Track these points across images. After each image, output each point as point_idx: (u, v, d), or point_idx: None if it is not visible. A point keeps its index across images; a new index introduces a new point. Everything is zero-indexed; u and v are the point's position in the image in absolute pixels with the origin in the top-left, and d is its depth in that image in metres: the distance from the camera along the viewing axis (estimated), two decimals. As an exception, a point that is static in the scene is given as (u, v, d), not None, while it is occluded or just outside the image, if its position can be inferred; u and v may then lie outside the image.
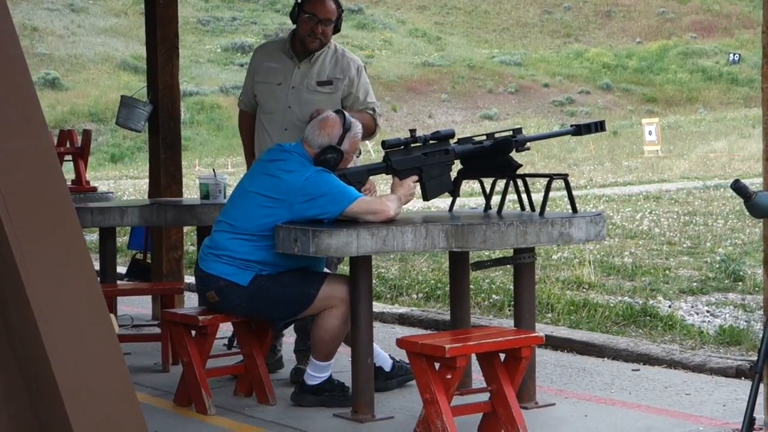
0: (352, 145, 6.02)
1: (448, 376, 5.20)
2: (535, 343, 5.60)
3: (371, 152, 32.17)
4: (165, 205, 7.69)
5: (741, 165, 27.66)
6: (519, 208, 6.45)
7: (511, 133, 6.25)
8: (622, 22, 69.25)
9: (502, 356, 5.44)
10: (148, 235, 9.48)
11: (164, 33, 8.95)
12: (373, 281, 7.65)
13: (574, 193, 6.37)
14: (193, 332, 6.10)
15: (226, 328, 7.14)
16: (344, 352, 6.25)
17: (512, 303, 6.77)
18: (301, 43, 6.75)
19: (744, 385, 6.31)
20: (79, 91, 47.91)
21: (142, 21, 8.97)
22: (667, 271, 10.72)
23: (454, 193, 6.38)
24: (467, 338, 5.46)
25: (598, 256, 11.62)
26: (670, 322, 8.24)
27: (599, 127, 6.38)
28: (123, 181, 29.24)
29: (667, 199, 19.46)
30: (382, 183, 14.18)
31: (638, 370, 7.01)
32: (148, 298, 9.18)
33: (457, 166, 6.28)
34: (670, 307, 8.98)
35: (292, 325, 6.70)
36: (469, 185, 18.21)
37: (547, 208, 6.02)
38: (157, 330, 7.61)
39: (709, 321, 8.49)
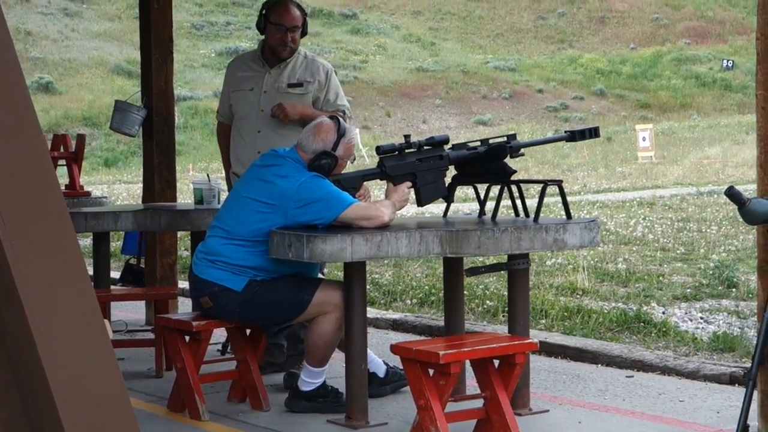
0: (346, 150, 6.02)
1: (442, 383, 5.20)
2: (529, 349, 5.60)
3: (365, 157, 32.17)
4: (159, 210, 7.68)
5: (735, 171, 27.68)
6: (513, 214, 6.45)
7: (505, 139, 6.26)
8: (616, 28, 69.31)
9: (496, 362, 5.44)
10: (142, 240, 9.46)
11: (158, 37, 8.94)
12: (367, 287, 7.64)
13: (568, 199, 6.37)
14: (187, 338, 6.09)
15: (219, 334, 7.13)
16: (338, 358, 6.25)
17: (506, 309, 6.77)
18: (272, 52, 7.01)
19: (738, 392, 6.31)
20: (73, 96, 47.85)
21: (136, 25, 8.97)
22: (660, 278, 10.72)
23: (449, 199, 6.38)
24: (461, 344, 5.46)
25: (592, 262, 11.62)
26: (663, 329, 8.25)
27: (593, 133, 6.38)
28: (117, 186, 29.21)
29: (661, 205, 19.47)
30: (377, 188, 14.17)
31: (632, 376, 7.00)
32: (141, 304, 9.17)
33: (451, 171, 6.28)
34: (663, 313, 8.99)
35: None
36: (463, 191, 18.22)
37: (542, 214, 6.03)
38: (151, 335, 7.59)
39: (702, 327, 8.49)
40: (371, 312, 8.80)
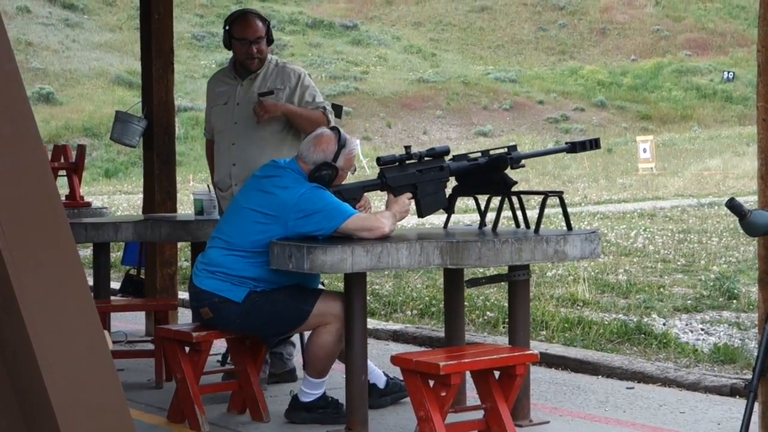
0: (347, 161, 6.02)
1: (443, 394, 5.19)
2: (530, 360, 5.60)
3: (366, 168, 32.18)
4: (159, 221, 7.68)
5: (735, 183, 27.69)
6: (514, 225, 6.45)
7: (506, 150, 6.26)
8: (616, 40, 69.38)
9: (497, 374, 5.43)
10: (142, 251, 9.46)
11: (159, 48, 8.95)
12: (368, 298, 7.64)
13: (569, 210, 6.37)
14: (187, 348, 6.09)
15: (219, 345, 7.13)
16: (338, 369, 6.24)
17: (507, 320, 6.77)
18: (242, 66, 7.02)
19: (739, 404, 6.30)
20: (73, 106, 47.89)
21: (137, 36, 8.98)
22: (661, 289, 10.72)
23: (449, 210, 6.38)
24: (462, 355, 5.46)
25: (593, 273, 11.61)
26: (664, 340, 8.24)
27: (594, 144, 6.39)
28: (117, 197, 29.21)
29: (662, 216, 19.47)
30: (377, 199, 14.18)
31: (633, 388, 7.00)
32: (141, 314, 9.16)
33: (452, 182, 6.28)
34: (664, 324, 8.98)
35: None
36: (463, 202, 18.21)
37: (542, 226, 6.03)
38: (151, 346, 7.58)
39: (703, 339, 8.48)
40: (371, 323, 8.79)
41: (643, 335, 8.41)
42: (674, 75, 63.11)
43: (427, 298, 10.29)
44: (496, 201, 6.34)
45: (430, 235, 5.99)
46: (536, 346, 7.26)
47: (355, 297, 5.74)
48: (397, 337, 8.84)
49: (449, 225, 6.63)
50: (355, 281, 5.75)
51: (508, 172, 6.19)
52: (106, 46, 57.44)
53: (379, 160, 6.08)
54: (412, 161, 6.11)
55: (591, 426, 6.08)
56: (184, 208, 16.93)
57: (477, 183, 6.26)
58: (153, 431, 6.02)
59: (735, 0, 72.67)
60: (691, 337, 8.55)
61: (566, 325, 8.81)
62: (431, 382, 5.24)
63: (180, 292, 9.44)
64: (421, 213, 6.18)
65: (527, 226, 6.28)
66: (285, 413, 6.10)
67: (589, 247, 5.98)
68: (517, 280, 6.05)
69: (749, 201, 14.38)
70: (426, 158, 6.13)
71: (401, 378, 5.60)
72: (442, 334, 7.46)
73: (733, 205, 4.95)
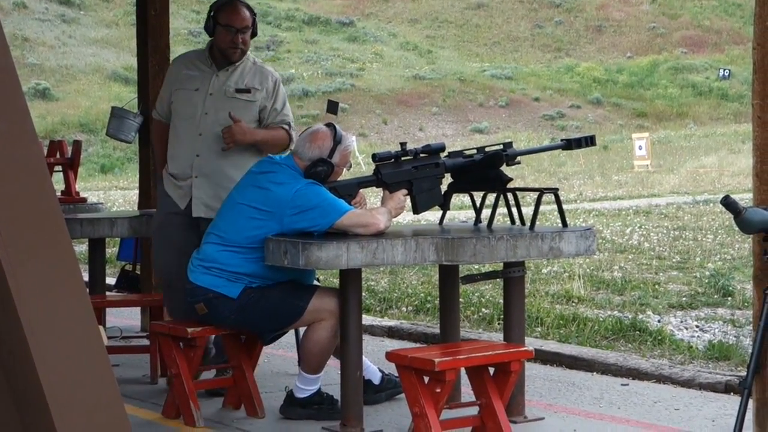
0: (342, 158, 6.02)
1: (438, 390, 5.20)
2: (525, 357, 5.60)
3: (362, 165, 32.17)
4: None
5: (731, 180, 27.70)
6: (509, 222, 6.45)
7: (501, 146, 6.26)
8: (612, 37, 69.35)
9: (492, 370, 5.44)
10: (138, 247, 9.45)
11: (155, 44, 8.94)
12: (363, 294, 7.64)
13: (564, 207, 6.37)
14: (182, 344, 6.09)
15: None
16: (333, 365, 6.24)
17: (502, 317, 6.77)
18: (222, 54, 6.76)
19: (733, 401, 6.30)
20: (69, 102, 47.83)
21: (133, 32, 8.95)
22: (656, 286, 10.73)
23: (444, 207, 6.38)
24: (457, 352, 5.46)
25: (588, 270, 11.62)
26: (659, 337, 8.25)
27: (589, 141, 6.39)
28: (113, 192, 29.18)
29: (657, 213, 19.47)
30: (373, 196, 14.18)
31: (627, 384, 7.00)
32: (137, 310, 9.16)
33: (447, 179, 6.28)
34: (659, 321, 8.99)
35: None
36: (459, 198, 18.21)
37: (537, 222, 6.03)
38: (146, 342, 7.59)
39: (698, 336, 8.49)
40: (366, 319, 8.79)
41: (638, 332, 8.42)
42: (670, 72, 63.10)
43: (422, 295, 10.30)
44: (491, 198, 6.34)
45: (426, 232, 5.99)
46: (531, 343, 7.25)
47: (350, 293, 5.75)
48: (392, 333, 8.84)
49: (444, 221, 6.64)
50: (351, 277, 5.75)
51: (504, 168, 6.19)
52: (102, 42, 57.37)
53: (374, 157, 6.08)
54: (408, 158, 6.10)
55: (585, 422, 6.09)
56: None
57: (472, 180, 6.26)
58: (148, 427, 6.02)
59: (731, -3, 72.69)
60: (685, 334, 8.56)
61: (561, 321, 8.82)
62: (426, 379, 5.24)
63: (175, 288, 9.43)
64: (416, 209, 6.18)
65: (522, 222, 6.28)
66: (280, 409, 6.11)
67: (584, 244, 5.99)
68: (512, 276, 6.05)
69: (744, 198, 14.38)
70: (421, 155, 6.13)
71: (396, 374, 5.61)
72: (437, 331, 7.46)
73: (728, 203, 4.96)
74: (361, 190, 6.18)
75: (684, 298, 10.04)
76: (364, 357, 5.98)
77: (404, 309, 9.93)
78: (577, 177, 30.72)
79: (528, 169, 31.38)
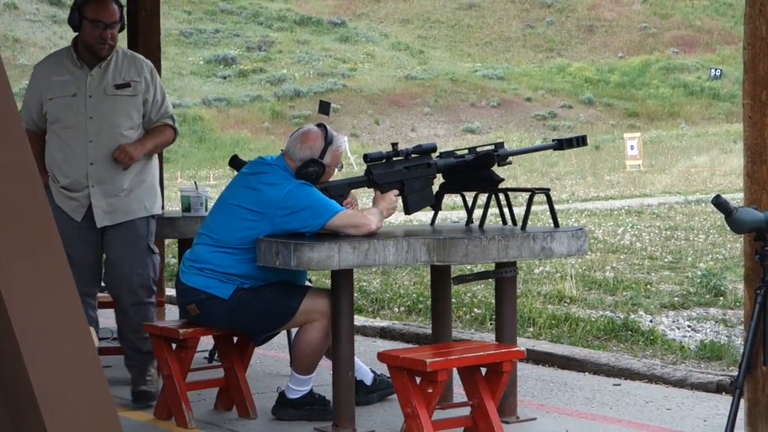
0: (333, 158, 6.01)
1: (429, 390, 5.20)
2: (517, 357, 5.60)
3: (353, 165, 32.17)
4: (146, 218, 7.64)
5: (722, 180, 27.75)
6: (501, 222, 6.45)
7: (493, 147, 6.26)
8: (604, 37, 69.46)
9: (484, 370, 5.44)
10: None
11: (146, 45, 8.92)
12: (355, 295, 7.64)
13: (556, 207, 6.38)
14: (174, 345, 6.08)
15: (207, 342, 7.12)
16: (325, 366, 6.24)
17: (494, 317, 6.77)
18: (89, 51, 6.43)
19: (725, 401, 6.31)
20: (61, 103, 47.78)
21: (124, 33, 8.95)
22: (648, 286, 10.74)
23: (436, 207, 6.38)
24: (448, 352, 5.46)
25: (580, 270, 11.63)
26: (651, 337, 8.26)
27: (581, 141, 6.40)
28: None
29: (649, 213, 19.50)
30: (364, 196, 14.18)
31: (619, 384, 7.01)
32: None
33: (439, 179, 6.28)
34: (651, 321, 8.99)
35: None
36: (450, 199, 18.22)
37: (529, 222, 6.03)
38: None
39: (690, 336, 8.50)
40: (359, 320, 8.79)
41: (629, 332, 8.43)
42: (662, 72, 63.22)
43: (414, 295, 10.30)
44: (483, 198, 6.34)
45: (417, 232, 5.99)
46: (523, 343, 7.26)
47: (342, 294, 5.74)
48: (384, 333, 8.84)
49: (436, 222, 6.63)
50: (343, 278, 5.75)
51: (495, 169, 6.19)
52: (93, 43, 57.29)
53: (366, 157, 6.08)
54: (399, 158, 6.10)
55: (578, 422, 6.09)
56: (172, 205, 16.92)
57: (464, 180, 6.26)
58: (140, 428, 6.01)
59: (722, -3, 72.82)
60: (677, 334, 8.57)
61: (553, 321, 8.82)
62: (418, 379, 5.24)
63: (167, 289, 9.43)
64: (408, 210, 6.18)
65: (514, 223, 6.28)
66: (272, 410, 6.10)
67: (576, 244, 5.99)
68: (504, 277, 6.05)
69: (736, 198, 14.40)
70: (413, 155, 6.13)
71: (388, 375, 5.61)
72: (429, 331, 7.46)
73: (719, 203, 4.97)
74: (352, 191, 6.17)
75: (676, 298, 10.06)
76: (356, 358, 5.98)
77: (396, 309, 9.93)
78: (569, 177, 30.76)
79: (520, 169, 31.42)
